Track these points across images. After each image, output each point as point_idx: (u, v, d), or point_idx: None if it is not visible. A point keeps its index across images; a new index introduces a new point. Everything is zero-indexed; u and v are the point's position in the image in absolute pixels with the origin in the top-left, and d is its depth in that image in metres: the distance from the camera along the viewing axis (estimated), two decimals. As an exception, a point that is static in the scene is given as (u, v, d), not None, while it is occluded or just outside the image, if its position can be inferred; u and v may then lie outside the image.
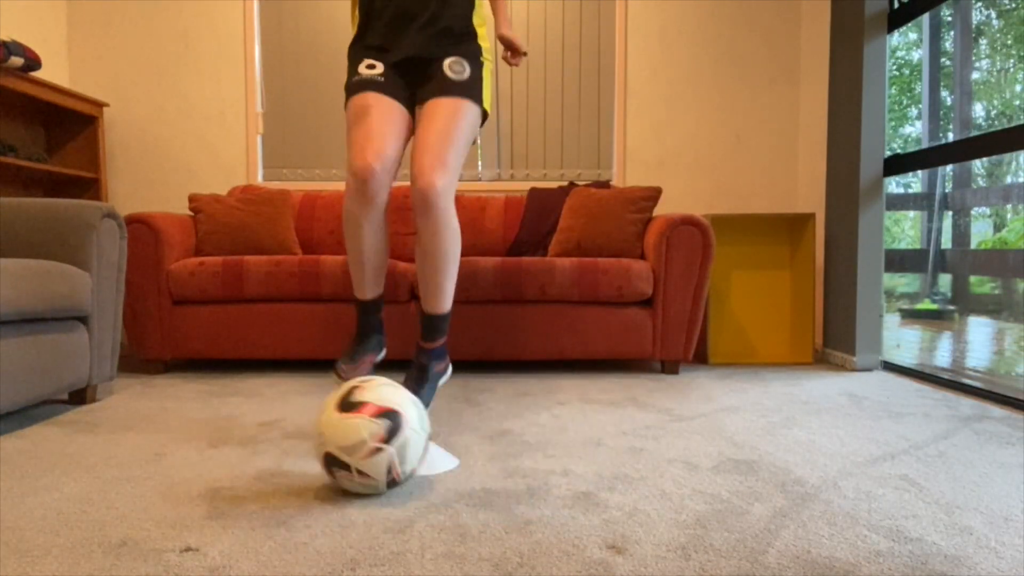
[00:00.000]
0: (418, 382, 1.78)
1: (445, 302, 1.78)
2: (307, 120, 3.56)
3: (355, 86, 1.76)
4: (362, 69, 1.77)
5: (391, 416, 1.27)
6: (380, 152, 1.65)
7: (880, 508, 1.28)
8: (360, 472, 1.26)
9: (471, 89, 1.77)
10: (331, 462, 1.28)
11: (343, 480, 1.29)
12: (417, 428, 1.31)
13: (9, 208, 2.07)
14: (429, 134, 1.69)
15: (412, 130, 1.82)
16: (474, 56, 1.83)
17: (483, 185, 3.56)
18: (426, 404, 1.77)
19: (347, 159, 1.71)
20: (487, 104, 1.84)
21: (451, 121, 1.71)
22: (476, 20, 1.87)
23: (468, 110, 1.75)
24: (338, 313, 2.68)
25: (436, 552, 1.09)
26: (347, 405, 1.27)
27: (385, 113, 1.71)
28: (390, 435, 1.26)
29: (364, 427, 1.24)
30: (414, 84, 1.84)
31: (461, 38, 1.82)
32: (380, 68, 1.77)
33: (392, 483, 1.31)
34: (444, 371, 1.86)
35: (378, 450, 1.25)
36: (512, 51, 1.95)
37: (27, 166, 2.93)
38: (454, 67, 1.77)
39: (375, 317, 1.87)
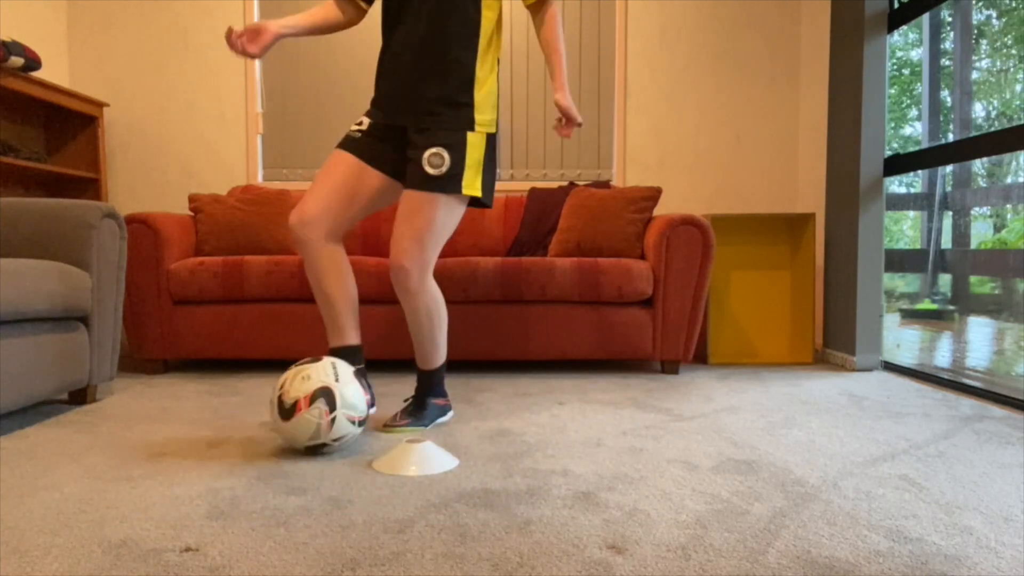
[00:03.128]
0: (412, 408, 1.90)
1: (435, 360, 1.91)
2: (307, 120, 3.56)
3: (340, 141, 1.88)
4: (352, 126, 1.88)
5: (321, 393, 1.54)
6: (305, 209, 1.79)
7: (880, 508, 1.28)
8: (335, 440, 1.58)
9: (449, 182, 1.74)
10: (312, 452, 1.61)
11: (333, 446, 1.61)
12: (344, 382, 1.59)
13: (9, 208, 2.07)
14: (403, 222, 1.77)
15: (381, 191, 1.87)
16: (459, 137, 1.76)
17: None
18: (427, 422, 1.89)
19: None
20: (473, 187, 1.78)
21: (425, 214, 1.75)
22: (477, 86, 1.79)
23: (442, 203, 1.75)
24: (338, 313, 2.68)
25: (436, 552, 1.09)
26: (286, 412, 1.54)
27: (334, 173, 1.82)
28: (331, 404, 1.54)
29: (311, 416, 1.53)
30: (399, 150, 1.87)
31: (452, 106, 1.76)
32: (365, 126, 1.86)
33: (362, 423, 1.62)
34: (445, 407, 1.96)
35: (333, 419, 1.54)
36: (566, 120, 1.85)
37: (27, 166, 2.93)
38: (432, 160, 1.74)
39: (357, 369, 1.75)
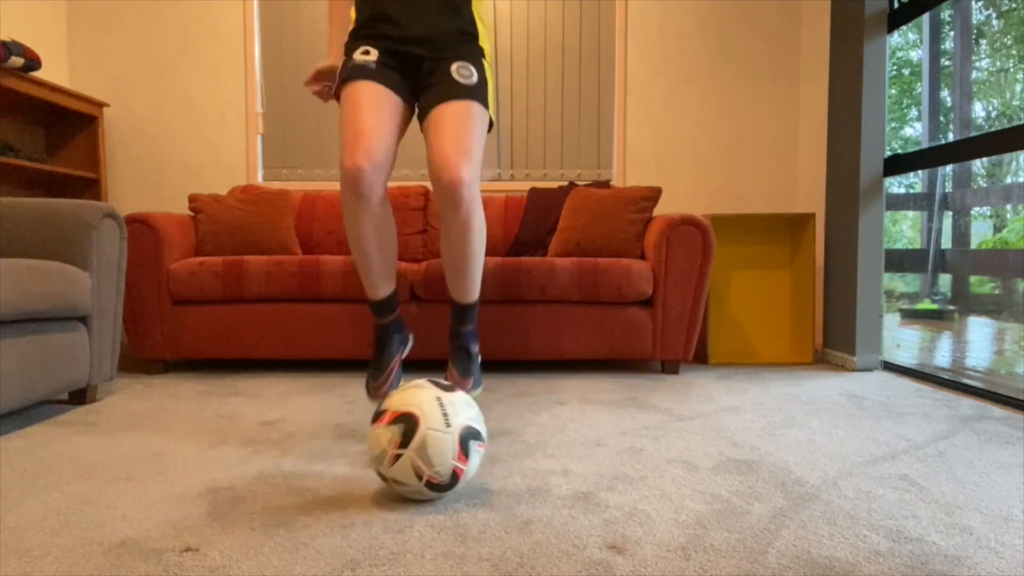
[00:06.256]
0: (463, 364, 1.84)
1: (474, 293, 1.81)
2: (307, 120, 3.56)
3: (347, 72, 1.73)
4: (357, 55, 1.74)
5: (404, 419, 1.25)
6: (369, 151, 1.62)
7: (880, 508, 1.28)
8: (395, 481, 1.26)
9: (480, 93, 1.76)
10: (379, 475, 1.30)
11: (399, 491, 1.29)
12: (439, 426, 1.26)
13: (9, 208, 2.07)
14: (447, 131, 1.66)
15: (406, 122, 1.80)
16: (478, 60, 1.81)
17: (483, 185, 3.56)
18: (477, 383, 1.85)
19: (340, 155, 1.70)
20: (491, 112, 1.83)
21: (467, 119, 1.70)
22: (478, 20, 1.85)
23: (480, 112, 1.74)
24: (338, 313, 2.68)
25: (436, 552, 1.09)
26: (375, 416, 1.30)
27: (376, 105, 1.68)
28: (405, 439, 1.24)
29: (383, 435, 1.26)
30: (413, 81, 1.82)
31: (466, 37, 1.80)
32: (374, 54, 1.74)
33: (435, 487, 1.27)
34: (479, 355, 1.93)
35: (397, 456, 1.24)
36: None
37: (27, 166, 2.93)
38: (461, 71, 1.75)
39: (392, 316, 1.81)
